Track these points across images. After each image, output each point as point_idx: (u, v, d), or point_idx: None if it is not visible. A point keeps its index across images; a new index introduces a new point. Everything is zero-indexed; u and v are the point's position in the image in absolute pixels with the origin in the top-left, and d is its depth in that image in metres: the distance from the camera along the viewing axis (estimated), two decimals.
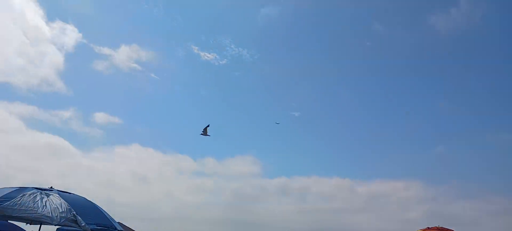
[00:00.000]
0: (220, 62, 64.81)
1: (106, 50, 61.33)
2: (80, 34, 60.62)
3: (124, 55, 63.25)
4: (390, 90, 65.39)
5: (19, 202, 6.62)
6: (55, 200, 6.97)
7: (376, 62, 66.15)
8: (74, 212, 6.73)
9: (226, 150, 72.40)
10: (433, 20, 59.38)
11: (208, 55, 65.22)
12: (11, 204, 6.55)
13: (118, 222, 10.36)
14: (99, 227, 7.09)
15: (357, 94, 67.67)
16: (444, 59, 61.57)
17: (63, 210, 6.72)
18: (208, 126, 36.30)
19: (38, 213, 6.60)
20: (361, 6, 65.56)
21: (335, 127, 67.23)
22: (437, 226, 15.59)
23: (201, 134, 35.77)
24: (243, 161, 62.33)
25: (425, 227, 16.00)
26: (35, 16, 59.18)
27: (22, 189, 7.20)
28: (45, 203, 6.65)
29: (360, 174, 62.94)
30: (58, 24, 61.55)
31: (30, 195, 6.83)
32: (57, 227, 7.15)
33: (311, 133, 68.21)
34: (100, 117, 60.67)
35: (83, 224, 6.59)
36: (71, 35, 61.59)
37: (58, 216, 6.57)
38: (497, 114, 56.65)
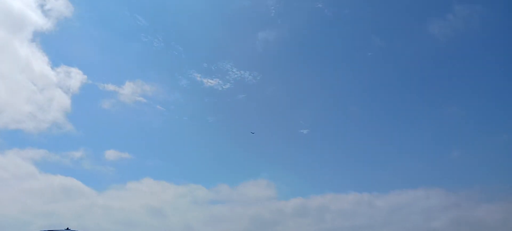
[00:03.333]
0: (224, 87, 65.34)
1: (111, 87, 62.21)
2: (85, 76, 61.97)
3: (129, 90, 64.16)
4: (398, 99, 64.47)
5: None
6: None
7: (379, 73, 65.57)
8: None
9: (238, 175, 72.03)
10: (430, 28, 59.14)
11: (211, 81, 65.92)
12: None
13: None
14: None
15: (364, 106, 67.06)
16: (447, 64, 60.95)
17: None
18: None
19: None
20: (357, 24, 65.71)
21: (345, 141, 66.46)
22: None
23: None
24: (256, 185, 61.74)
25: None
26: (40, 63, 60.80)
27: None
28: None
29: (377, 187, 61.74)
30: (63, 68, 63.35)
31: None
32: None
33: (322, 150, 67.65)
34: (111, 154, 61.16)
35: None
36: (76, 77, 63.20)
37: None
38: (508, 113, 55.37)
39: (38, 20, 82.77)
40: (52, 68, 69.27)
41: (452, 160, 56.88)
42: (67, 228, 7.50)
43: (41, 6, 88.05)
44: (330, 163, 67.86)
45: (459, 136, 59.87)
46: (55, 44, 75.38)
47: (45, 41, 75.64)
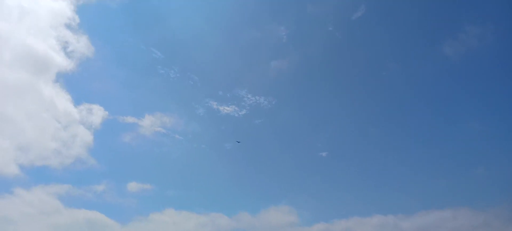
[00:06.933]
0: (240, 113, 66.04)
1: (130, 120, 63.79)
2: (106, 112, 64.06)
3: (149, 122, 65.61)
4: (416, 119, 63.51)
5: None
6: None
7: (395, 92, 65.02)
8: None
9: (259, 202, 71.20)
10: (443, 49, 58.89)
11: (227, 108, 66.92)
12: None
13: None
14: None
15: (383, 126, 66.21)
16: (463, 81, 60.18)
17: None
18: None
19: None
20: (370, 45, 65.82)
21: (366, 162, 65.38)
22: None
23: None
24: (278, 211, 60.91)
25: None
26: (64, 102, 63.44)
27: None
28: None
29: (402, 208, 60.09)
30: (85, 106, 65.92)
31: None
32: None
33: (342, 172, 66.61)
34: (133, 186, 62.00)
35: None
36: (98, 113, 65.52)
37: None
38: None
39: (61, 62, 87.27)
40: (75, 106, 72.31)
41: (477, 178, 54.94)
42: None
43: (64, 48, 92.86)
44: (352, 185, 66.40)
45: (481, 152, 58.09)
46: (77, 83, 79.15)
47: (68, 81, 79.64)
